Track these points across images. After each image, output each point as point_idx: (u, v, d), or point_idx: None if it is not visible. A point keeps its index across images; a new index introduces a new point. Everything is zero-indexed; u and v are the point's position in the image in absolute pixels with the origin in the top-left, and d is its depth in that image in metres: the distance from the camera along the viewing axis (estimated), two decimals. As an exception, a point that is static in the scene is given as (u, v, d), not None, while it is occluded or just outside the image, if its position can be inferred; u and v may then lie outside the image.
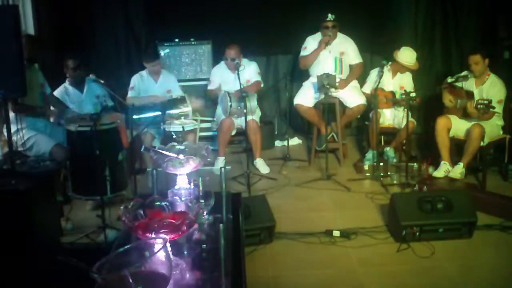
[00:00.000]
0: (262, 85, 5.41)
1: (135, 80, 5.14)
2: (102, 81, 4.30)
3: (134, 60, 5.84)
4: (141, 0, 5.94)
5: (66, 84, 4.61)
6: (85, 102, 4.60)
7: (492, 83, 4.68)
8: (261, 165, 5.15)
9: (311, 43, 5.38)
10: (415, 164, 4.90)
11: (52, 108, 4.45)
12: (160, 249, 1.37)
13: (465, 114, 4.64)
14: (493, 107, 4.35)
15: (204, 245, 1.83)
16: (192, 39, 5.92)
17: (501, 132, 4.78)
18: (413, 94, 4.68)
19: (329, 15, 5.22)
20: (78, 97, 4.61)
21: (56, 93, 4.51)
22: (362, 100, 5.26)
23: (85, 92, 4.63)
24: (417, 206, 3.57)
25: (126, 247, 1.43)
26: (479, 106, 4.37)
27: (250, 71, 5.27)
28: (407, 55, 5.10)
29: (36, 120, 4.13)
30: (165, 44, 5.90)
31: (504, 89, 4.64)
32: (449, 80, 4.88)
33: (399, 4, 6.04)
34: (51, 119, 4.31)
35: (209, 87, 5.43)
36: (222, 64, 5.37)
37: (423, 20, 6.02)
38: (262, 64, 6.09)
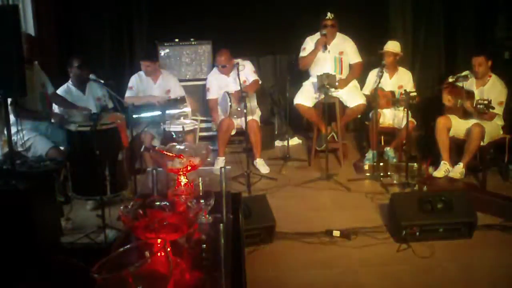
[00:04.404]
0: (260, 82, 5.40)
1: (133, 80, 5.14)
2: (102, 81, 4.31)
3: (134, 60, 5.84)
4: (141, 0, 5.94)
5: (69, 84, 4.62)
6: (86, 103, 4.60)
7: (494, 84, 4.67)
8: (261, 165, 5.15)
9: (310, 44, 5.37)
10: (415, 164, 4.90)
11: (55, 107, 4.46)
12: (160, 249, 1.37)
13: (465, 114, 4.64)
14: (493, 107, 4.35)
15: (204, 245, 1.83)
16: (192, 39, 5.92)
17: (501, 132, 4.78)
18: (413, 94, 4.68)
19: (328, 13, 5.23)
20: (80, 97, 4.62)
21: (59, 91, 4.53)
22: (362, 100, 5.25)
23: (86, 93, 4.64)
24: (417, 206, 3.57)
25: (126, 247, 1.44)
26: (478, 106, 4.37)
27: (246, 71, 5.27)
28: (389, 45, 5.16)
29: (38, 122, 4.14)
30: (165, 44, 5.89)
31: (505, 91, 4.64)
32: (450, 80, 4.87)
33: (398, 4, 6.02)
34: (53, 120, 4.31)
35: (208, 97, 5.39)
36: (215, 69, 5.38)
37: (422, 20, 6.01)
38: (262, 64, 6.07)
